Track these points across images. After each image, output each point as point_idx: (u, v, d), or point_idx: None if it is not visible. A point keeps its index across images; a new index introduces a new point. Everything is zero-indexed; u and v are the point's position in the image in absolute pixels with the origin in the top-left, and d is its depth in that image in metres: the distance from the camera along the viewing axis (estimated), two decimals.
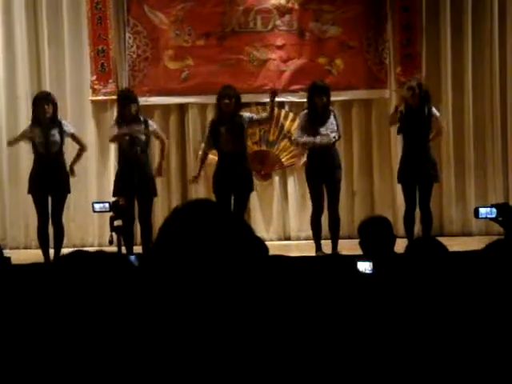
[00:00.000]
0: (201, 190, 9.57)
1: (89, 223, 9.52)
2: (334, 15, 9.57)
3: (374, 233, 5.09)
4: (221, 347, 1.70)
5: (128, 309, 1.90)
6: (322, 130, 8.23)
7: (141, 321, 1.77)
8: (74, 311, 1.89)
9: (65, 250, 7.86)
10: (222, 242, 1.74)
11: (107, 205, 7.18)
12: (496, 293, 2.67)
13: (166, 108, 9.63)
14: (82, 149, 8.61)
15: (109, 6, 9.57)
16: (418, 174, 8.20)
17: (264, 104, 9.58)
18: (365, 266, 4.27)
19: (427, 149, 8.30)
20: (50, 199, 8.37)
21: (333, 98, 8.55)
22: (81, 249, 2.09)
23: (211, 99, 8.73)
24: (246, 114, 8.49)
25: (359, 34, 9.57)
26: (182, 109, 9.76)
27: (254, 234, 1.82)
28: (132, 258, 4.01)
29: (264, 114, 8.71)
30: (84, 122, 8.92)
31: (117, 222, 7.02)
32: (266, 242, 9.22)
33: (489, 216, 5.57)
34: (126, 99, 8.33)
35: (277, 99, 9.47)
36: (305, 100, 8.59)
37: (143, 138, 8.33)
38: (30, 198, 8.46)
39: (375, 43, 9.58)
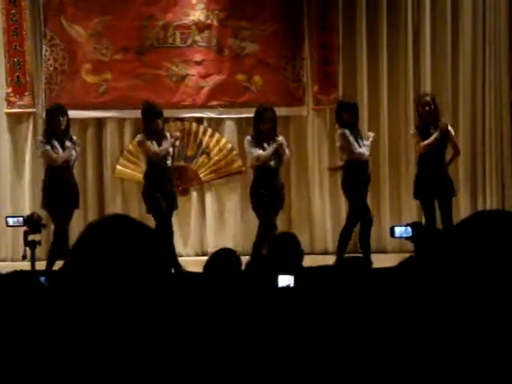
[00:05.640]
0: (118, 206, 9.49)
1: (1, 237, 9.33)
2: (252, 32, 9.63)
3: (281, 248, 5.12)
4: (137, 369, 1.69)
5: (37, 326, 1.88)
6: (365, 143, 8.41)
7: (50, 338, 1.75)
8: None
9: None
10: (138, 257, 1.73)
11: (21, 219, 7.07)
12: (409, 308, 2.71)
13: (83, 122, 9.52)
14: None
15: (25, 17, 9.44)
16: (439, 189, 8.26)
17: (182, 120, 9.58)
18: (286, 280, 4.30)
19: (445, 164, 8.39)
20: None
21: (250, 115, 8.60)
22: None
23: (129, 114, 8.64)
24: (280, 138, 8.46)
25: (277, 51, 9.65)
26: (100, 123, 9.67)
27: (170, 248, 1.82)
28: (42, 278, 3.95)
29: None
30: None
31: (31, 237, 6.92)
32: (183, 258, 9.06)
33: (403, 235, 5.66)
34: (152, 114, 8.24)
35: (195, 115, 9.45)
36: (223, 116, 8.60)
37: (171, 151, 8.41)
38: None
39: (293, 61, 9.66)
